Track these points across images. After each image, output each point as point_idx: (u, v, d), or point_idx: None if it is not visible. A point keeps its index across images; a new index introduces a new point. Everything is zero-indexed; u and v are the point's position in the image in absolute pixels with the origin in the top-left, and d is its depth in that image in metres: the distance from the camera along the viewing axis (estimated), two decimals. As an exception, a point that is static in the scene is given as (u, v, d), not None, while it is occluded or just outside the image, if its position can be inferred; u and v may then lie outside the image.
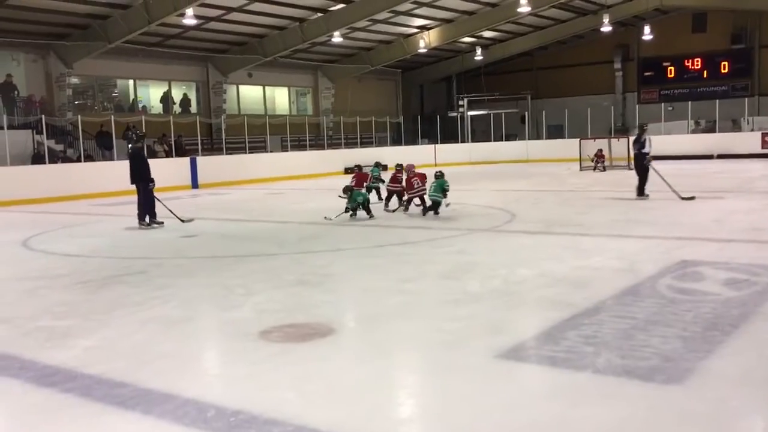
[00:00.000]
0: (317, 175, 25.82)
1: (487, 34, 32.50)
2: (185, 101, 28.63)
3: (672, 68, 34.98)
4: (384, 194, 13.60)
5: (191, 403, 3.76)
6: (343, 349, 4.80)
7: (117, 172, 19.55)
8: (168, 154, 23.52)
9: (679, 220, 10.36)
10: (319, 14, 25.45)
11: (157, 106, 27.93)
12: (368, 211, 11.97)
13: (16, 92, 22.53)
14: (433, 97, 40.02)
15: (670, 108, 31.30)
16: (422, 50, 31.13)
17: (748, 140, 27.30)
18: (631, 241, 8.67)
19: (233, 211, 14.89)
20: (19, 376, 4.36)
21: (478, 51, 33.57)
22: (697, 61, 34.40)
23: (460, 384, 3.96)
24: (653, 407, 3.50)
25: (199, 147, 24.84)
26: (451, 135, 34.58)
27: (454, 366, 4.26)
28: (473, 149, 32.54)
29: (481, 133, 35.45)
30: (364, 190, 13.18)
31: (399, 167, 13.26)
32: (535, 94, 36.49)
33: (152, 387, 4.02)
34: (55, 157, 21.23)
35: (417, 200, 12.47)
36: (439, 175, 11.89)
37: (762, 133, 27.20)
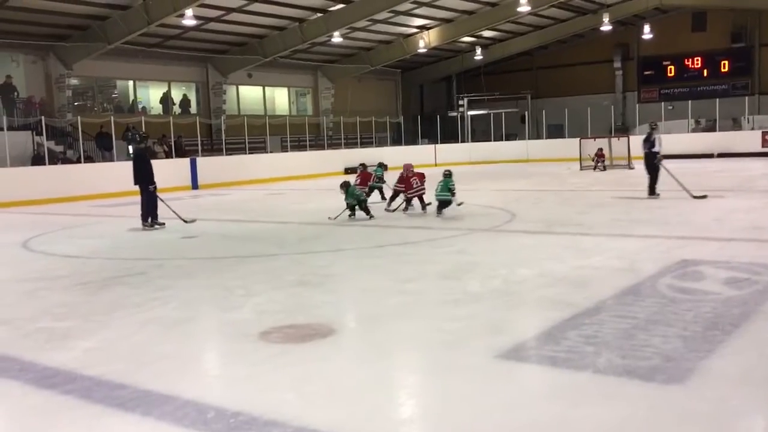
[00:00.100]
0: (317, 176, 25.81)
1: (487, 33, 32.51)
2: (185, 102, 28.64)
3: (672, 67, 34.98)
4: (387, 194, 13.62)
5: (191, 404, 3.76)
6: (343, 350, 4.79)
7: (117, 173, 19.60)
8: (168, 155, 23.53)
9: (679, 220, 10.36)
10: (319, 14, 25.45)
11: (156, 107, 27.93)
12: (367, 211, 11.96)
13: (15, 93, 22.52)
14: (433, 97, 40.01)
15: (670, 107, 31.30)
16: (422, 50, 31.13)
17: (748, 139, 27.30)
18: (632, 240, 8.67)
19: (233, 211, 14.88)
20: (19, 378, 4.35)
21: (478, 51, 33.58)
22: (697, 60, 34.40)
23: (461, 384, 3.95)
24: (654, 407, 3.49)
25: (199, 148, 24.85)
26: (451, 135, 34.57)
27: (454, 366, 4.26)
28: (473, 149, 32.54)
29: (481, 132, 35.45)
30: (367, 189, 13.25)
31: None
32: (535, 94, 36.49)
33: (152, 388, 4.01)
34: (55, 158, 21.23)
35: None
36: (447, 174, 11.85)
37: (762, 132, 27.20)
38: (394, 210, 12.81)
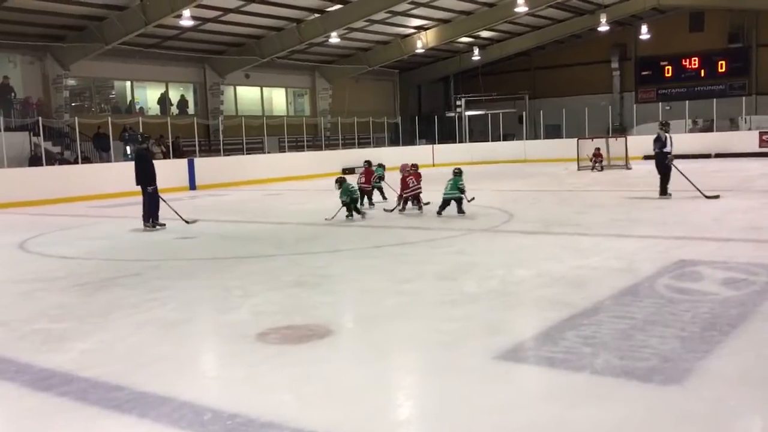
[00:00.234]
0: (315, 176, 25.78)
1: (485, 34, 32.52)
2: (182, 102, 28.59)
3: (669, 67, 35.04)
4: (387, 193, 13.69)
5: (188, 406, 3.74)
6: (340, 351, 4.78)
7: (114, 173, 19.60)
8: (165, 156, 23.48)
9: (677, 220, 10.36)
10: (316, 15, 25.44)
11: (154, 108, 27.89)
12: (358, 211, 12.00)
13: (12, 94, 22.48)
14: (431, 98, 40.02)
15: (668, 107, 31.29)
16: (420, 50, 31.14)
17: (745, 139, 27.33)
18: (630, 240, 8.67)
19: (231, 212, 14.87)
20: (15, 380, 4.34)
21: (476, 51, 33.60)
22: (695, 61, 34.46)
23: (458, 385, 3.95)
24: (652, 408, 3.49)
25: (197, 148, 24.82)
26: (448, 135, 34.58)
27: (452, 367, 4.25)
28: (471, 149, 32.51)
29: (478, 133, 35.44)
30: (370, 187, 13.52)
31: (414, 168, 13.07)
32: (532, 94, 36.52)
33: (148, 390, 4.00)
34: (52, 159, 21.18)
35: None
36: (458, 172, 11.81)
37: (759, 132, 27.23)
38: (391, 210, 12.82)
